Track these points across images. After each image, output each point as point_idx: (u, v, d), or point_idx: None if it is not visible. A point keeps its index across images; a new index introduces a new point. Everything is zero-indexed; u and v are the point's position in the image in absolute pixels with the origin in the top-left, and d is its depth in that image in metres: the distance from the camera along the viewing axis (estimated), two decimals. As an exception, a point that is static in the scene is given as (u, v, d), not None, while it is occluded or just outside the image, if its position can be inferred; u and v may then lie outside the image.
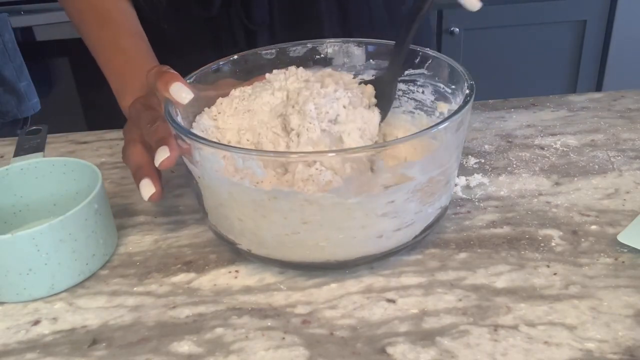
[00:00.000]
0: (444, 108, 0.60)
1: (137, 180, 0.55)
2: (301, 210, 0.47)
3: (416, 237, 0.52)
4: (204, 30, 0.79)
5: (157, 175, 0.55)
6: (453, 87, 0.58)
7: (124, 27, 0.73)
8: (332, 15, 0.79)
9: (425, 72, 0.61)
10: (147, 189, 0.54)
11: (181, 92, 0.52)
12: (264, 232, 0.50)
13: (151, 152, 0.56)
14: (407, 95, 0.64)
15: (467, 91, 0.53)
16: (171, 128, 0.51)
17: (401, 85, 0.64)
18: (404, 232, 0.51)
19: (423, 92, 0.62)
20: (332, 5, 0.78)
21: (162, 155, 0.52)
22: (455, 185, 0.61)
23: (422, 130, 0.48)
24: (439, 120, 0.60)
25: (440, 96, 0.61)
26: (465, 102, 0.51)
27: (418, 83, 0.62)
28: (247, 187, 0.48)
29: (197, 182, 0.52)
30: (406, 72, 0.63)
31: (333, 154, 0.50)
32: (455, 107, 0.57)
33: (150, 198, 0.54)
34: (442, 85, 0.60)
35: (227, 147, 0.49)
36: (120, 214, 0.61)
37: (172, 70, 0.54)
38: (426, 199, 0.51)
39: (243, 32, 0.77)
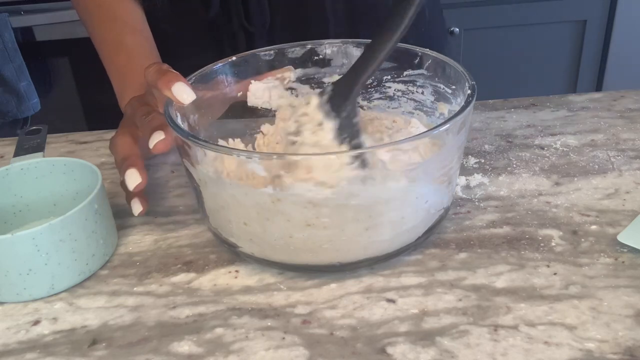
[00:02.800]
0: (444, 109, 0.60)
1: (123, 171, 0.55)
2: (304, 212, 0.47)
3: (419, 238, 0.52)
4: (204, 31, 0.79)
5: (142, 165, 0.55)
6: (453, 87, 0.58)
7: (128, 26, 0.73)
8: (337, 14, 0.78)
9: (425, 72, 0.61)
10: (133, 177, 0.54)
11: (183, 92, 0.52)
12: (267, 235, 0.49)
13: (140, 143, 0.57)
14: (406, 96, 0.64)
15: (469, 91, 0.53)
16: (172, 131, 0.51)
17: (400, 86, 0.64)
18: (407, 233, 0.51)
19: (423, 93, 0.62)
20: (339, 11, 0.78)
21: (157, 137, 0.52)
22: (456, 185, 0.61)
23: (426, 131, 0.48)
24: (439, 121, 0.60)
25: (441, 97, 0.61)
26: (467, 103, 0.51)
27: (417, 84, 0.62)
28: (249, 190, 0.48)
29: (198, 184, 0.52)
30: (405, 73, 0.63)
31: (334, 156, 0.50)
32: (455, 107, 0.57)
33: (136, 187, 0.54)
34: (442, 86, 0.60)
35: (228, 149, 0.49)
36: (120, 214, 0.61)
37: (173, 70, 0.54)
38: (428, 201, 0.51)
39: (243, 33, 0.77)
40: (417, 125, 0.60)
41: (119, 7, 0.73)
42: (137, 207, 0.56)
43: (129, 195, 0.57)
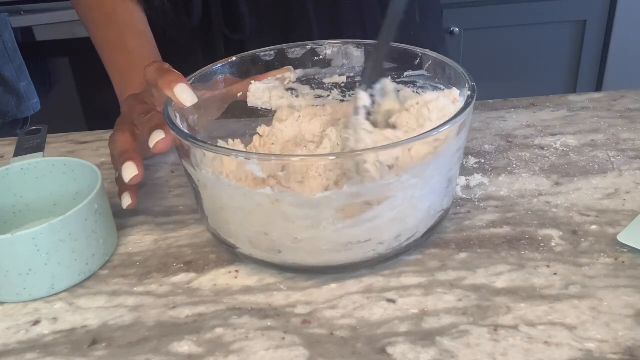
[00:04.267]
0: None
1: (120, 164, 0.55)
2: (304, 213, 0.47)
3: (418, 240, 0.52)
4: (194, 38, 0.79)
5: (140, 160, 0.55)
6: (454, 88, 0.58)
7: (129, 27, 0.73)
8: (323, 26, 0.78)
9: (425, 73, 0.61)
10: (130, 170, 0.54)
11: (184, 93, 0.52)
12: (266, 237, 0.49)
13: (139, 140, 0.57)
14: (407, 96, 0.64)
15: (469, 93, 0.52)
16: (171, 132, 0.51)
17: (400, 87, 0.64)
18: (407, 235, 0.51)
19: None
20: (322, 16, 0.78)
21: (158, 136, 0.52)
22: (456, 185, 0.61)
23: (426, 132, 0.48)
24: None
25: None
26: (467, 104, 0.50)
27: (418, 84, 0.62)
28: (248, 191, 0.48)
29: (197, 185, 0.52)
30: (405, 74, 0.63)
31: (334, 157, 0.50)
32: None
33: (132, 180, 0.54)
34: (442, 87, 0.60)
35: (227, 150, 0.49)
36: (120, 214, 0.61)
37: (175, 70, 0.54)
38: (428, 202, 0.50)
39: (222, 41, 0.77)
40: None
41: (120, 8, 0.73)
42: (126, 200, 0.56)
43: (121, 189, 0.57)
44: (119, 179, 0.56)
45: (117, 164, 0.56)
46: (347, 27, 0.80)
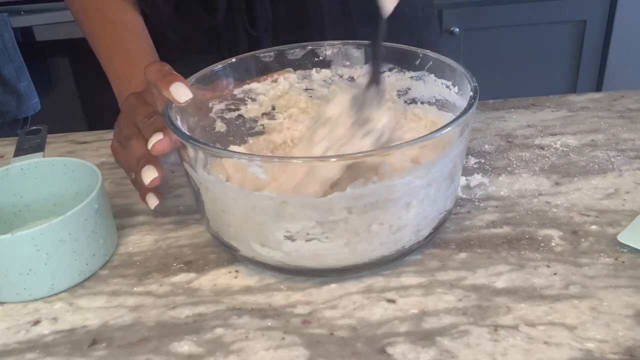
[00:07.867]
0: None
1: (140, 167, 0.55)
2: (308, 215, 0.47)
3: (421, 241, 0.52)
4: (207, 36, 0.79)
5: (158, 162, 0.55)
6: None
7: (127, 28, 0.73)
8: (334, 19, 0.78)
9: (426, 74, 0.61)
10: (150, 172, 0.54)
11: (180, 91, 0.52)
12: (268, 240, 0.49)
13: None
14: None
15: (471, 93, 0.52)
16: (172, 134, 0.51)
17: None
18: (410, 237, 0.51)
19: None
20: (334, 9, 0.78)
21: (155, 138, 0.52)
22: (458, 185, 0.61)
23: (429, 134, 0.47)
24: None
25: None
26: (469, 105, 0.50)
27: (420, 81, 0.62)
28: (251, 194, 0.48)
29: (198, 187, 0.52)
30: (407, 74, 0.63)
31: (335, 159, 0.50)
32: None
33: (152, 182, 0.54)
34: (445, 86, 0.60)
35: (229, 152, 0.48)
36: (120, 214, 0.61)
37: (175, 72, 0.54)
38: (432, 203, 0.50)
39: (246, 38, 0.77)
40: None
41: (119, 12, 0.73)
42: (152, 200, 0.57)
43: (143, 191, 0.57)
44: (138, 182, 0.56)
45: (136, 167, 0.56)
46: (358, 21, 0.80)
